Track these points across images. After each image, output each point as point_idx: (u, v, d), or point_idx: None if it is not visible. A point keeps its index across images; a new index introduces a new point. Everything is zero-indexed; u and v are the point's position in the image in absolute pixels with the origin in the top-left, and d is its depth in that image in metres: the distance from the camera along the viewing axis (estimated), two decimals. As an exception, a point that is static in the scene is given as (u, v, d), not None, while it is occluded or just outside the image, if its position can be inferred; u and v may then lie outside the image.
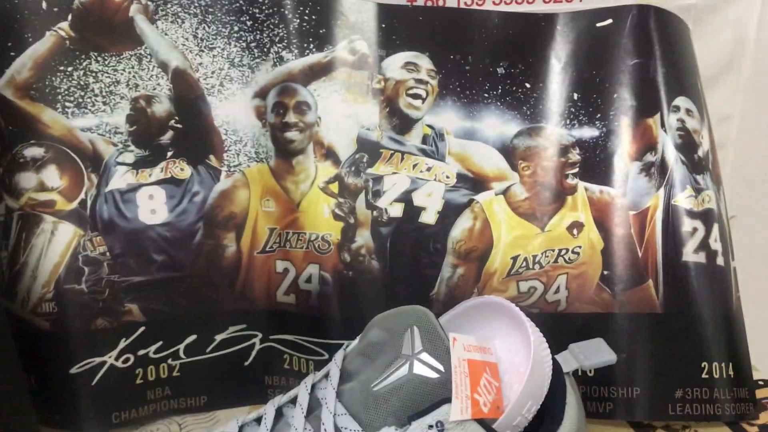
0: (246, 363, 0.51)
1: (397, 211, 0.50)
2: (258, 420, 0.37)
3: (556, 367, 0.38)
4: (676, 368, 0.47)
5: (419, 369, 0.34)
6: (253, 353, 0.51)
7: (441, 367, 0.34)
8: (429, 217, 0.50)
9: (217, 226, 0.49)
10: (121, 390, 0.48)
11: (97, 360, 0.47)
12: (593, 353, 0.39)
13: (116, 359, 0.47)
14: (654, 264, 0.49)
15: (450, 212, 0.50)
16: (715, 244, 0.50)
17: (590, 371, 0.48)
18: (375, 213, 0.49)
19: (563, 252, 0.50)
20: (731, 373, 0.48)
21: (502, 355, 0.38)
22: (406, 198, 0.50)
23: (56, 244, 0.46)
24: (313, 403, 0.37)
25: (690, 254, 0.49)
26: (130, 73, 0.47)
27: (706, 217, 0.50)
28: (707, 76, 0.57)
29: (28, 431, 0.44)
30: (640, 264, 0.48)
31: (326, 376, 0.38)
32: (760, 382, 0.53)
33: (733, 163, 0.62)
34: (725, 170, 0.62)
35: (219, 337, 0.50)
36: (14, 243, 0.46)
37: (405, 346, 0.35)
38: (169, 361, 0.49)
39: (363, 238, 0.49)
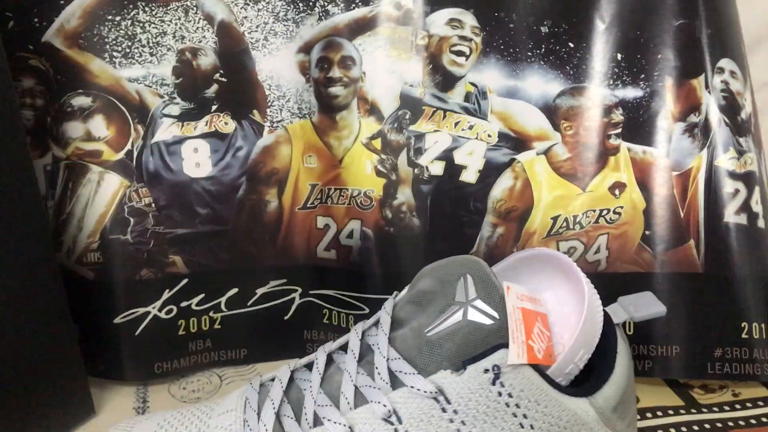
0: (286, 317, 0.51)
1: (438, 169, 0.50)
2: (309, 366, 0.38)
3: (607, 318, 0.38)
4: (715, 328, 0.47)
5: (474, 315, 0.35)
6: (293, 307, 0.51)
7: (496, 314, 0.35)
8: (470, 176, 0.50)
9: (259, 181, 0.49)
10: (164, 341, 0.48)
11: (141, 310, 0.47)
12: (643, 305, 0.39)
13: (159, 310, 0.48)
14: (696, 224, 0.49)
15: (491, 171, 0.50)
16: (757, 207, 0.50)
17: (630, 329, 0.48)
18: (416, 170, 0.49)
19: (604, 212, 0.50)
20: (771, 333, 0.48)
21: (551, 306, 0.39)
22: (447, 156, 0.50)
23: (102, 194, 0.46)
24: (364, 350, 0.37)
25: (731, 215, 0.49)
26: (176, 24, 0.47)
27: (748, 179, 0.50)
28: (748, 41, 0.56)
29: (76, 380, 0.44)
30: (681, 224, 0.49)
31: (376, 323, 0.38)
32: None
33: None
34: (766, 137, 0.61)
35: (260, 291, 0.50)
36: (60, 193, 0.46)
37: (458, 293, 0.36)
38: (211, 313, 0.50)
39: (404, 195, 0.49)
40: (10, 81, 0.39)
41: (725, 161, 0.49)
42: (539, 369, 0.34)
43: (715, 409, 0.47)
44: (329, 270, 0.50)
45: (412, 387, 0.34)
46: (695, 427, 0.45)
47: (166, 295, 0.48)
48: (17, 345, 0.40)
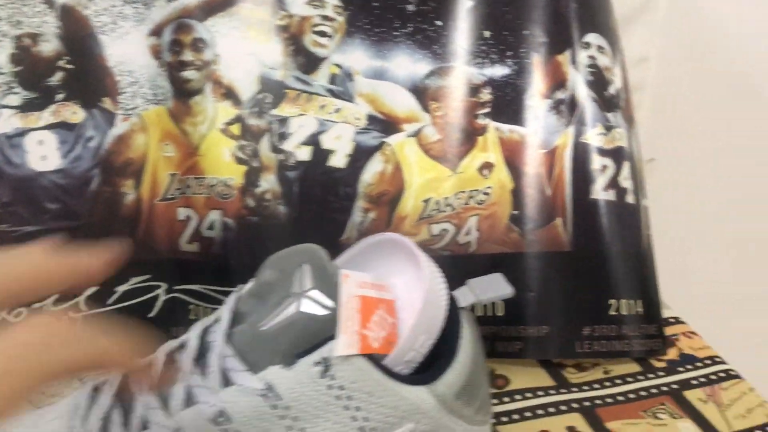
0: (150, 315, 0.49)
1: (304, 154, 0.48)
2: None
3: (454, 303, 0.37)
4: (584, 306, 0.47)
5: (308, 307, 0.33)
6: (158, 304, 0.49)
7: (331, 304, 0.33)
8: (339, 161, 0.48)
9: (114, 172, 0.47)
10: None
11: (-12, 314, 0.45)
12: (490, 287, 0.38)
13: (8, 314, 0.45)
14: (563, 202, 0.48)
15: (360, 155, 0.49)
16: (626, 182, 0.49)
17: (500, 311, 0.47)
18: (281, 156, 0.48)
19: (474, 193, 0.49)
20: (640, 310, 0.48)
21: (400, 292, 0.38)
22: (314, 141, 0.48)
23: (-64, 192, 0.43)
24: (204, 348, 0.35)
25: (599, 192, 0.48)
26: (11, 9, 0.44)
27: (617, 154, 0.49)
28: (623, 16, 0.56)
29: None
30: (548, 202, 0.48)
31: (217, 320, 0.36)
32: (671, 320, 0.54)
33: (651, 105, 0.62)
34: (643, 113, 0.62)
35: (121, 289, 0.48)
36: None
37: (295, 284, 0.34)
38: (70, 314, 0.47)
39: (268, 182, 0.47)
40: None
41: (593, 137, 0.49)
42: (375, 359, 0.33)
43: (585, 387, 0.47)
44: (193, 263, 0.48)
45: (241, 384, 0.32)
46: (563, 407, 0.45)
47: (14, 296, 0.45)
48: None
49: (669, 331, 0.51)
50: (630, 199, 0.49)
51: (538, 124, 0.49)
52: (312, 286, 0.34)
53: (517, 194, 0.48)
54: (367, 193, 0.49)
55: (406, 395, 0.33)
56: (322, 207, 0.48)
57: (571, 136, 0.49)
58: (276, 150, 0.47)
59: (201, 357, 0.35)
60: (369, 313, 0.34)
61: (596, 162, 0.49)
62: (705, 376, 0.48)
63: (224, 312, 0.36)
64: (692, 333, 0.52)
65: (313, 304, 0.33)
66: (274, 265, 0.36)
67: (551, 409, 0.44)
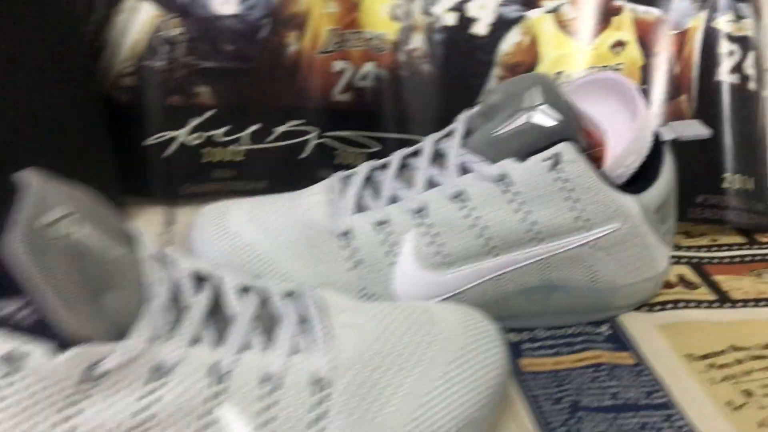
0: (301, 156, 0.55)
1: (451, 20, 0.53)
2: (384, 166, 0.42)
3: (656, 137, 0.42)
4: (699, 176, 0.51)
5: (539, 119, 0.38)
6: (308, 148, 0.55)
7: (559, 118, 0.38)
8: (481, 29, 0.53)
9: (281, 23, 0.52)
10: (189, 165, 0.52)
11: (169, 134, 0.51)
12: (689, 128, 0.43)
13: (188, 135, 0.52)
14: (689, 80, 0.52)
15: (501, 26, 0.53)
16: (749, 70, 0.53)
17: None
18: (430, 19, 0.52)
19: (605, 69, 0.53)
20: (750, 186, 0.52)
21: (607, 123, 0.42)
22: (460, 8, 0.53)
23: (137, 22, 0.50)
24: (435, 154, 0.41)
25: (724, 74, 0.52)
26: None
27: (744, 42, 0.52)
28: None
29: (112, 197, 0.49)
30: (675, 80, 0.52)
31: (448, 134, 0.42)
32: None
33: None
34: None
35: (279, 129, 0.54)
36: (99, 19, 0.50)
37: (525, 101, 0.39)
38: (234, 145, 0.53)
39: (418, 41, 0.52)
40: None
41: (723, 23, 0.52)
42: (593, 166, 0.38)
43: (694, 249, 0.51)
44: (344, 112, 0.54)
45: (479, 172, 0.38)
46: (673, 261, 0.49)
47: (193, 122, 0.52)
48: (59, 162, 0.44)
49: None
50: (752, 86, 0.53)
51: (672, 6, 0.52)
52: (542, 101, 0.39)
53: (646, 71, 0.52)
54: (503, 62, 0.53)
55: (617, 198, 0.39)
56: (461, 70, 0.53)
57: (702, 20, 0.52)
58: (426, 12, 0.52)
59: (437, 158, 0.40)
60: (588, 131, 0.40)
61: (724, 46, 0.52)
62: (808, 249, 0.51)
63: (458, 124, 0.41)
64: (795, 219, 0.56)
65: (543, 116, 0.38)
66: (500, 90, 0.41)
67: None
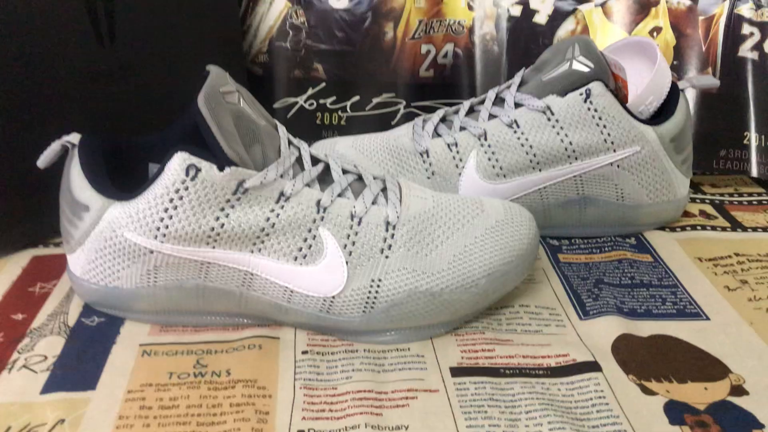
0: (393, 122, 0.69)
1: (516, 11, 0.66)
2: (456, 111, 0.55)
3: (675, 87, 0.53)
4: (723, 134, 0.61)
5: (577, 65, 0.51)
6: (398, 116, 0.69)
7: (592, 65, 0.50)
8: (541, 18, 0.66)
9: (381, 16, 0.67)
10: (306, 125, 0.67)
11: (292, 100, 0.66)
12: (703, 79, 0.54)
13: (305, 102, 0.67)
14: (714, 56, 0.62)
15: (558, 16, 0.66)
16: (768, 49, 0.63)
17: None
18: (499, 10, 0.66)
19: (643, 49, 0.64)
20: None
21: (635, 75, 0.54)
22: (524, 2, 0.65)
23: (272, 12, 0.65)
24: (497, 101, 0.54)
25: (746, 51, 0.62)
26: None
27: (763, 27, 0.63)
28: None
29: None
30: (703, 55, 0.62)
31: (509, 86, 0.54)
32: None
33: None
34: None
35: (375, 100, 0.68)
36: (243, 9, 0.66)
37: (567, 53, 0.52)
38: (339, 112, 0.68)
39: (488, 27, 0.66)
40: None
41: (745, 10, 0.63)
42: (619, 100, 0.50)
43: (718, 195, 0.61)
44: (427, 86, 0.67)
45: (529, 106, 0.50)
46: (698, 201, 0.59)
47: (310, 91, 0.66)
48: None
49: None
50: (771, 62, 0.63)
51: (701, -3, 0.63)
52: (580, 53, 0.51)
53: (678, 49, 0.63)
54: (559, 46, 0.65)
55: (637, 126, 0.50)
56: (524, 52, 0.66)
57: (726, 8, 0.63)
58: (496, 4, 0.65)
59: (498, 101, 0.53)
60: (617, 77, 0.52)
61: (745, 28, 0.62)
62: (820, 199, 0.60)
63: (516, 78, 0.54)
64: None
65: (580, 64, 0.51)
66: (549, 50, 0.54)
67: (696, 201, 0.59)
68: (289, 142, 0.44)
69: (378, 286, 0.41)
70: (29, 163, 0.43)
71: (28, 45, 0.47)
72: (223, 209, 0.39)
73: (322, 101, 0.67)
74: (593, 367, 0.40)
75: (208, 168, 0.38)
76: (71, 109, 0.50)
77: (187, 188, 0.38)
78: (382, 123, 0.69)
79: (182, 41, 0.57)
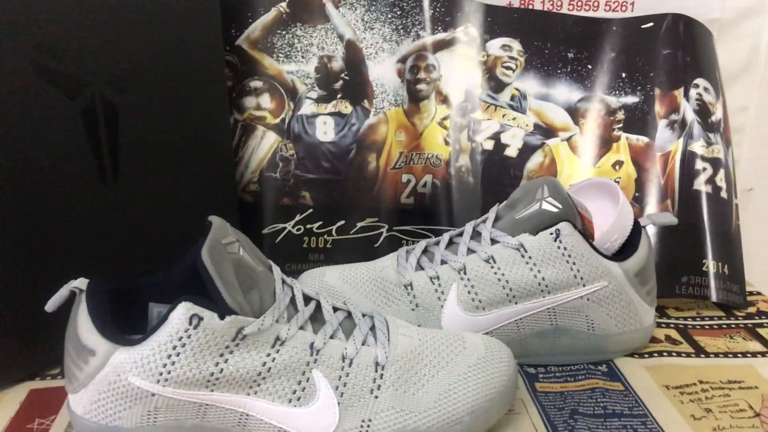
0: (376, 245, 0.72)
1: (489, 145, 0.71)
2: (436, 243, 0.59)
3: (637, 225, 0.57)
4: (684, 261, 0.66)
5: (546, 206, 0.55)
6: (381, 239, 0.72)
7: (560, 206, 0.55)
8: (512, 152, 0.71)
9: (365, 148, 0.72)
10: (294, 249, 0.70)
11: (280, 226, 0.70)
12: (661, 217, 0.59)
13: (293, 227, 0.70)
14: (672, 189, 0.68)
15: (527, 150, 0.71)
16: (721, 182, 0.68)
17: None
18: (473, 145, 0.71)
19: (607, 181, 0.69)
20: (726, 271, 0.66)
21: (599, 215, 0.58)
22: (496, 137, 0.71)
23: (263, 145, 0.70)
24: (474, 235, 0.58)
25: (700, 184, 0.68)
26: (319, 39, 0.71)
27: (714, 162, 0.69)
28: (728, 75, 0.76)
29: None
30: (662, 189, 0.68)
31: (484, 220, 0.59)
32: (754, 292, 0.70)
33: (750, 145, 0.80)
34: (743, 151, 0.80)
35: (359, 224, 0.72)
36: (236, 143, 0.70)
37: (537, 194, 0.56)
38: (325, 236, 0.71)
39: (464, 160, 0.71)
40: (224, 68, 0.63)
41: (697, 147, 0.69)
42: (586, 238, 0.54)
43: (682, 318, 0.65)
44: (408, 212, 0.72)
45: (504, 243, 0.54)
46: (663, 325, 0.63)
47: (297, 217, 0.70)
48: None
49: (750, 298, 0.68)
50: (723, 195, 0.68)
51: (656, 135, 0.69)
52: (549, 195, 0.55)
53: (639, 182, 0.69)
54: (529, 177, 0.71)
55: (604, 262, 0.54)
56: (497, 182, 0.71)
57: (681, 145, 0.69)
58: (470, 140, 0.71)
59: (475, 236, 0.57)
60: (583, 217, 0.56)
61: (698, 164, 0.68)
62: (776, 323, 0.64)
63: (491, 213, 0.58)
64: (770, 301, 0.69)
65: (549, 205, 0.55)
66: (521, 189, 0.58)
67: (661, 326, 0.63)
68: (283, 282, 0.47)
69: (368, 426, 0.43)
70: (30, 301, 0.45)
71: (32, 185, 0.50)
72: (222, 355, 0.41)
73: (309, 226, 0.71)
74: (571, 503, 0.42)
75: (210, 317, 0.41)
76: (73, 246, 0.53)
77: (189, 336, 0.41)
78: (366, 246, 0.72)
79: (180, 176, 0.60)
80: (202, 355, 0.41)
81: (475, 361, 0.47)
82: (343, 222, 0.72)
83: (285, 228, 0.70)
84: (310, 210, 0.71)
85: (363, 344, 0.45)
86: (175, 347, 0.41)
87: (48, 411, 0.49)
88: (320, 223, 0.71)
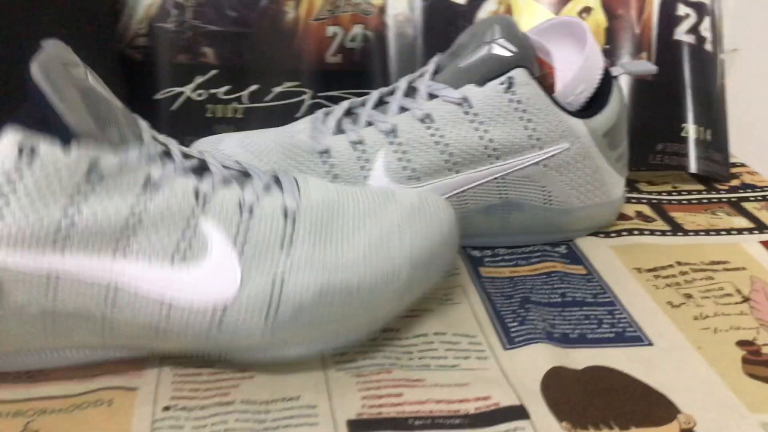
0: (296, 115, 0.60)
1: (433, -11, 0.58)
2: (362, 103, 0.47)
3: (607, 73, 0.46)
4: (659, 126, 0.56)
5: (497, 50, 0.43)
6: (303, 107, 0.60)
7: (515, 49, 0.43)
8: (460, -1, 0.59)
9: (280, -7, 0.58)
10: (195, 120, 0.58)
11: (177, 89, 0.57)
12: (638, 64, 0.48)
13: (192, 92, 0.58)
14: (649, 39, 0.57)
15: (479, -5, 0.59)
16: (705, 32, 0.57)
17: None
18: (414, -12, 0.58)
19: (572, 31, 0.58)
20: (708, 137, 0.56)
21: (564, 60, 0.47)
22: (441, -22, 0.58)
23: (150, -13, 0.56)
24: (409, 90, 0.46)
25: (681, 34, 0.57)
26: None
27: (699, 8, 0.57)
28: None
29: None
30: (637, 39, 0.57)
31: (421, 74, 0.47)
32: (737, 164, 0.61)
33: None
34: (731, 3, 0.69)
35: (276, 90, 0.60)
36: (117, -15, 0.56)
37: (487, 36, 0.44)
38: (234, 104, 0.59)
39: (402, 7, 0.58)
40: None
41: (680, -11, 0.57)
42: (545, 89, 0.43)
43: (654, 193, 0.55)
44: (336, 73, 0.59)
45: (444, 97, 0.43)
46: (633, 201, 0.53)
47: (198, 80, 0.57)
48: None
49: (734, 170, 0.59)
50: (708, 47, 0.57)
51: (633, -26, 0.57)
52: (501, 35, 0.44)
53: (610, 32, 0.57)
54: (480, 28, 0.58)
55: (566, 119, 0.43)
56: (442, 34, 0.59)
57: (660, -15, 0.57)
58: (410, -18, 0.58)
59: (410, 92, 0.46)
60: (542, 62, 0.45)
61: (680, 9, 0.57)
62: (763, 196, 0.55)
63: (429, 65, 0.47)
64: (754, 172, 0.59)
65: (501, 48, 0.43)
66: (467, 33, 0.47)
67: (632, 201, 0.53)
68: (154, 138, 0.35)
69: (281, 284, 0.33)
70: None
71: None
72: (71, 199, 0.30)
73: (213, 91, 0.58)
74: (519, 413, 0.33)
75: (48, 147, 0.29)
76: None
77: (22, 176, 0.29)
78: (285, 116, 0.60)
79: (40, 24, 0.47)
80: (43, 202, 0.30)
81: (409, 208, 0.37)
82: (256, 86, 0.59)
83: (183, 93, 0.57)
84: (214, 71, 0.58)
85: (266, 192, 0.35)
86: (2, 194, 0.29)
87: None
88: (227, 87, 0.59)
